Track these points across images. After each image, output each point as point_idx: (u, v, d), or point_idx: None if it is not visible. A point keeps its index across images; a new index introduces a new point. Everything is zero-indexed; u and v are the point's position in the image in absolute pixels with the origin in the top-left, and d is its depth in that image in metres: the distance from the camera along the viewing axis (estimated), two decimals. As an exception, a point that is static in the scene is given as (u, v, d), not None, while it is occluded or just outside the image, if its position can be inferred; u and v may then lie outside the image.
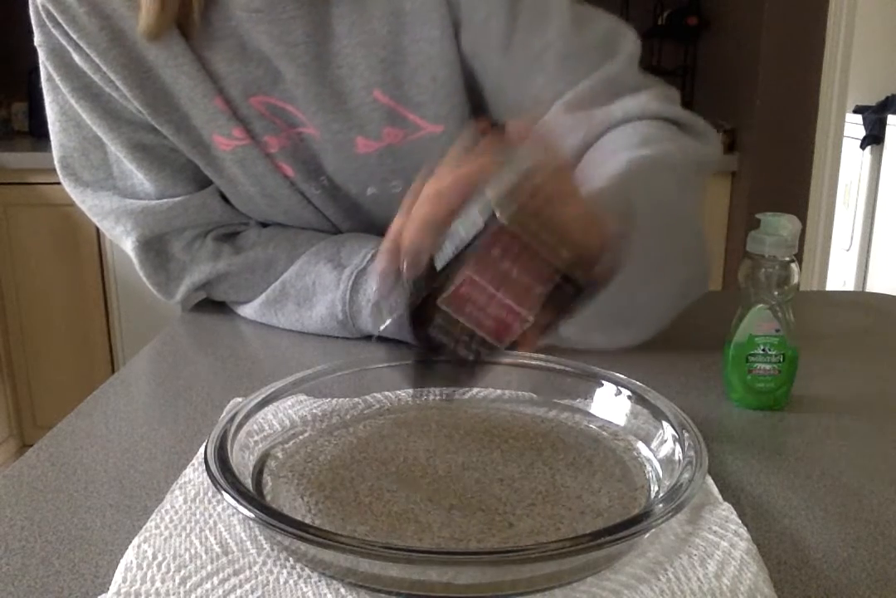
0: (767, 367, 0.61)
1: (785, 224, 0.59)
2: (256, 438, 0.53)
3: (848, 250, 3.27)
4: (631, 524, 0.40)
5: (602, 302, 0.47)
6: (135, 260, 0.82)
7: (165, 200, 0.79)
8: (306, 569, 0.41)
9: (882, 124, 3.07)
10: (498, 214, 0.42)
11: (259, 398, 0.54)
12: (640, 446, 0.53)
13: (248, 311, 0.83)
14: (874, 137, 3.09)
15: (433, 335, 0.45)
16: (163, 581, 0.40)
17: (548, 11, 0.74)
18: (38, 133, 2.59)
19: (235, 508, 0.41)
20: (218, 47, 0.73)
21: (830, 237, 2.46)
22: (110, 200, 0.80)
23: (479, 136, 0.82)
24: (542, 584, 0.39)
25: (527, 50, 0.74)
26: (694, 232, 0.67)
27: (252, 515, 0.40)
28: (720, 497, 0.48)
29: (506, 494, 0.48)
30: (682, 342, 0.75)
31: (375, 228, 0.84)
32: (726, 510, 0.46)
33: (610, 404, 0.57)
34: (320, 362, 0.60)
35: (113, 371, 2.43)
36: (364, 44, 0.73)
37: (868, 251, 3.20)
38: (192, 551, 0.42)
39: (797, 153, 2.33)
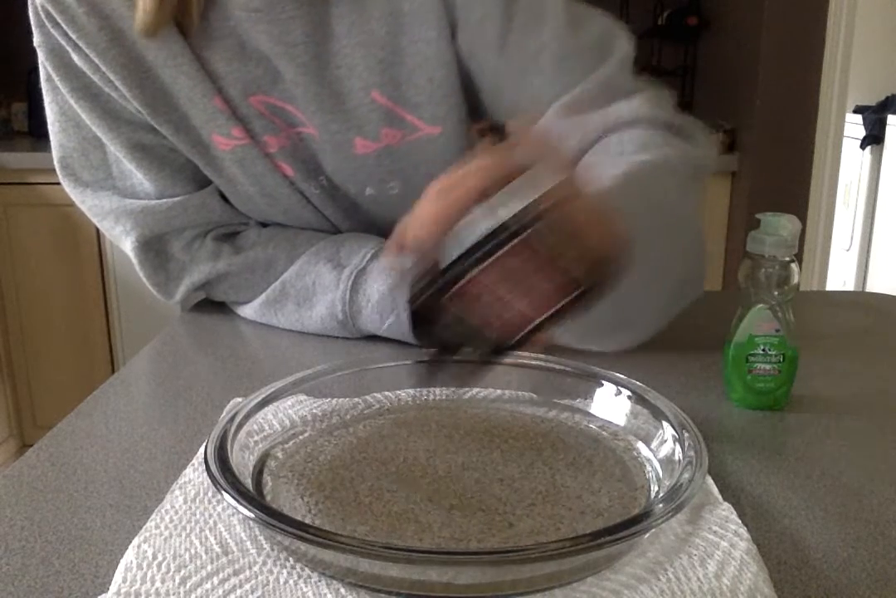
0: (767, 367, 0.61)
1: (785, 224, 0.59)
2: (256, 438, 0.53)
3: (848, 250, 3.27)
4: (631, 524, 0.40)
5: (602, 306, 0.47)
6: (134, 260, 0.82)
7: (165, 200, 0.79)
8: (306, 569, 0.41)
9: (882, 124, 3.07)
10: (509, 214, 0.42)
11: (259, 398, 0.54)
12: (640, 446, 0.53)
13: (247, 311, 0.83)
14: (874, 137, 3.09)
15: (438, 333, 0.45)
16: (163, 581, 0.40)
17: (543, 12, 0.74)
18: (37, 133, 2.59)
19: (235, 508, 0.41)
20: (217, 47, 0.73)
21: (830, 237, 2.46)
22: (110, 200, 0.80)
23: (477, 138, 0.83)
24: (542, 584, 0.39)
25: (522, 50, 0.74)
26: (693, 235, 0.68)
27: (252, 515, 0.40)
28: (720, 497, 0.48)
29: (506, 494, 0.48)
30: (682, 342, 0.75)
31: (375, 228, 0.84)
32: (726, 510, 0.46)
33: (610, 404, 0.57)
34: (320, 362, 0.60)
35: (113, 371, 2.43)
36: (363, 44, 0.73)
37: (868, 251, 3.20)
38: (192, 551, 0.42)
39: (797, 153, 2.33)
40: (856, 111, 3.16)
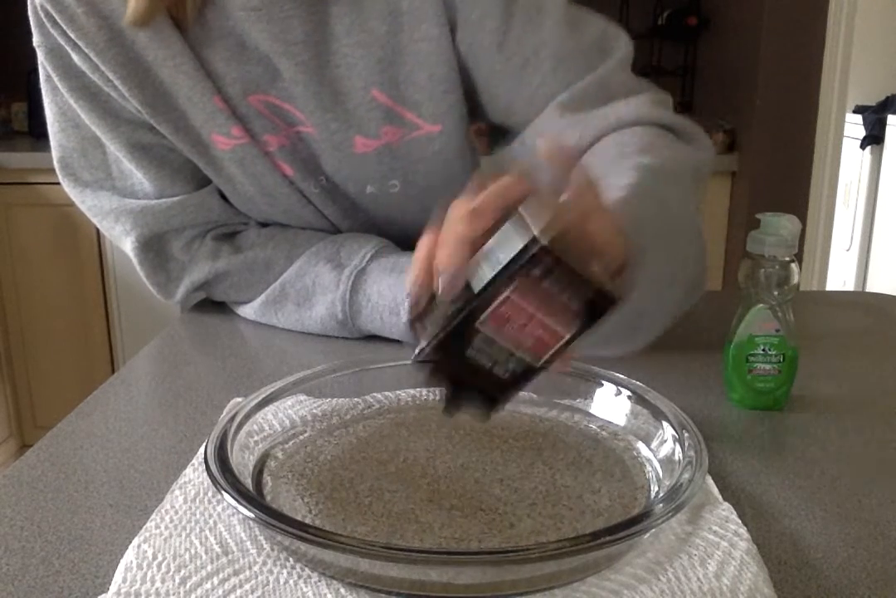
0: (767, 367, 0.61)
1: (785, 224, 0.59)
2: (256, 438, 0.53)
3: (848, 250, 3.27)
4: (631, 524, 0.40)
5: (616, 313, 0.48)
6: (134, 260, 0.82)
7: (164, 200, 0.79)
8: (306, 569, 0.41)
9: (882, 124, 3.07)
10: (537, 234, 0.42)
11: (259, 398, 0.54)
12: (640, 446, 0.53)
13: (247, 311, 0.83)
14: (874, 137, 3.09)
15: (471, 357, 0.45)
16: (163, 581, 0.40)
17: (542, 11, 0.74)
18: (37, 133, 2.59)
19: (235, 508, 0.41)
20: (216, 46, 0.73)
21: (830, 237, 2.45)
22: (109, 200, 0.80)
23: (475, 137, 0.83)
24: (542, 584, 0.39)
25: (521, 49, 0.74)
26: (695, 237, 0.68)
27: (252, 515, 0.40)
28: (720, 497, 0.48)
29: (506, 494, 0.48)
30: (682, 342, 0.75)
31: (375, 227, 0.84)
32: (726, 510, 0.46)
33: (610, 404, 0.57)
34: (320, 362, 0.60)
35: (113, 371, 2.43)
36: (362, 43, 0.73)
37: (868, 251, 3.20)
38: (192, 551, 0.42)
39: (797, 153, 2.33)
40: (856, 111, 3.16)
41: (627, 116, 0.72)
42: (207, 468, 0.45)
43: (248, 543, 0.43)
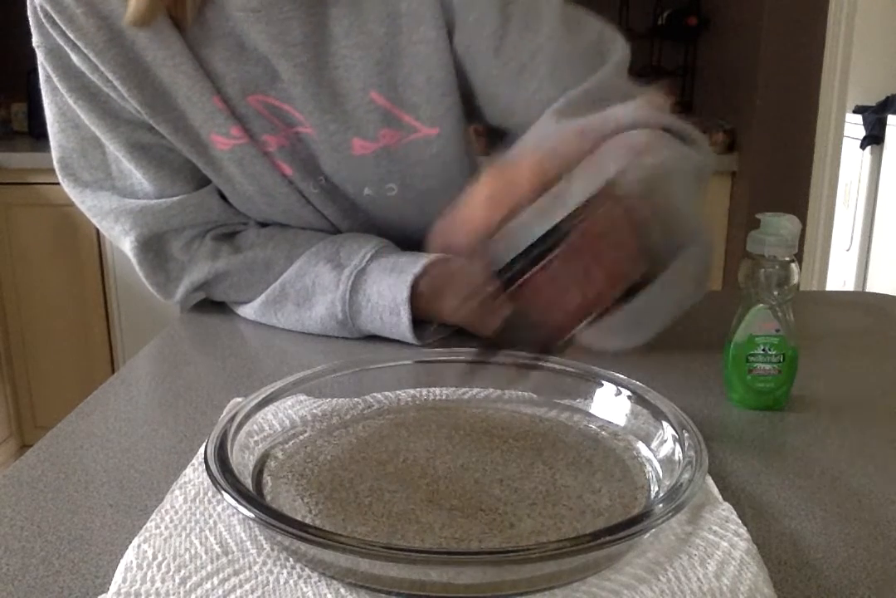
0: (767, 367, 0.61)
1: (785, 224, 0.59)
2: (256, 438, 0.53)
3: (848, 250, 3.27)
4: (631, 524, 0.40)
5: (626, 306, 0.48)
6: (134, 260, 0.82)
7: (164, 200, 0.79)
8: (306, 569, 0.41)
9: (882, 124, 3.07)
10: (562, 216, 0.43)
11: (259, 398, 0.54)
12: (640, 446, 0.53)
13: (247, 311, 0.83)
14: (874, 137, 3.09)
15: (497, 332, 0.46)
16: (163, 581, 0.40)
17: (539, 15, 0.74)
18: (37, 133, 2.59)
19: (235, 508, 0.41)
20: (216, 46, 0.73)
21: (830, 237, 2.45)
22: (109, 200, 0.80)
23: (474, 138, 0.83)
24: (542, 584, 0.39)
25: (517, 53, 0.74)
26: (700, 235, 0.68)
27: (252, 515, 0.40)
28: (720, 497, 0.48)
29: (506, 494, 0.48)
30: (682, 342, 0.75)
31: (374, 227, 0.84)
32: (726, 510, 0.46)
33: (610, 404, 0.57)
34: (320, 362, 0.60)
35: (113, 371, 2.43)
36: (361, 45, 0.73)
37: (868, 251, 3.20)
38: (192, 551, 0.42)
39: (797, 153, 2.32)
40: (856, 111, 3.16)
41: (626, 120, 0.72)
42: (207, 468, 0.45)
43: (248, 543, 0.43)
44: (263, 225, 0.85)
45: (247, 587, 0.40)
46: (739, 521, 0.44)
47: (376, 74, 0.74)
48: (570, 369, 0.60)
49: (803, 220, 2.30)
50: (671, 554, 0.42)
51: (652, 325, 0.66)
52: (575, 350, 0.47)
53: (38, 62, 0.75)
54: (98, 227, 0.82)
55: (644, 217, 0.48)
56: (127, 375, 0.71)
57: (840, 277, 3.28)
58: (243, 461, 0.49)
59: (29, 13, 0.72)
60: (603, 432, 0.56)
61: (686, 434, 0.49)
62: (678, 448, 0.48)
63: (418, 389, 0.62)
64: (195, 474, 0.50)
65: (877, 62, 3.21)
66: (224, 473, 0.44)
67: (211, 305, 0.88)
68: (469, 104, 0.78)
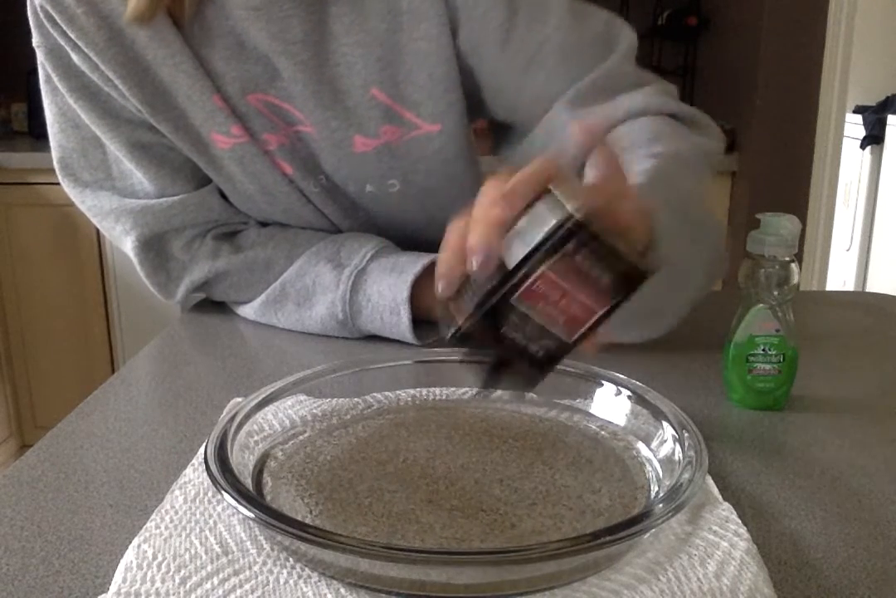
0: (767, 367, 0.61)
1: (785, 224, 0.59)
2: (256, 438, 0.53)
3: (848, 250, 3.27)
4: (631, 524, 0.40)
5: (639, 297, 0.48)
6: (134, 260, 0.82)
7: (164, 199, 0.79)
8: (306, 569, 0.41)
9: (882, 124, 3.07)
10: (571, 210, 0.43)
11: (259, 398, 0.54)
12: (640, 446, 0.53)
13: (247, 311, 0.83)
14: (874, 137, 3.09)
15: (506, 334, 0.45)
16: (163, 581, 0.40)
17: (546, 6, 0.74)
18: (37, 133, 2.59)
19: (235, 508, 0.41)
20: (216, 45, 0.73)
21: (830, 237, 2.45)
22: (109, 200, 0.80)
23: (475, 135, 0.83)
24: (542, 584, 0.39)
25: (526, 45, 0.74)
26: (711, 223, 0.68)
27: (252, 515, 0.40)
28: (720, 497, 0.48)
29: (506, 494, 0.48)
30: (682, 342, 0.75)
31: (375, 226, 0.84)
32: (726, 510, 0.46)
33: (610, 404, 0.57)
34: (320, 362, 0.60)
35: (113, 371, 2.43)
36: (361, 42, 0.73)
37: (868, 251, 3.20)
38: (192, 551, 0.42)
39: (797, 153, 2.32)
40: (856, 111, 3.16)
41: (636, 107, 0.72)
42: (207, 468, 0.45)
43: (248, 543, 0.43)
44: (264, 224, 0.85)
45: (247, 587, 0.40)
46: (739, 521, 0.44)
47: (377, 72, 0.74)
48: (570, 369, 0.60)
49: (803, 220, 2.30)
50: (671, 554, 0.42)
51: (669, 315, 0.67)
52: (591, 346, 0.47)
53: (39, 62, 0.75)
54: (98, 227, 0.82)
55: (652, 208, 0.48)
56: (127, 375, 0.71)
57: (840, 277, 3.28)
58: (243, 461, 0.49)
59: (29, 13, 0.72)
60: (603, 432, 0.56)
61: (686, 434, 0.49)
62: (678, 448, 0.48)
63: (418, 389, 0.62)
64: (195, 475, 0.50)
65: (877, 62, 3.21)
66: (224, 473, 0.44)
67: (211, 305, 0.88)
68: (471, 100, 0.78)
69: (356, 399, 0.60)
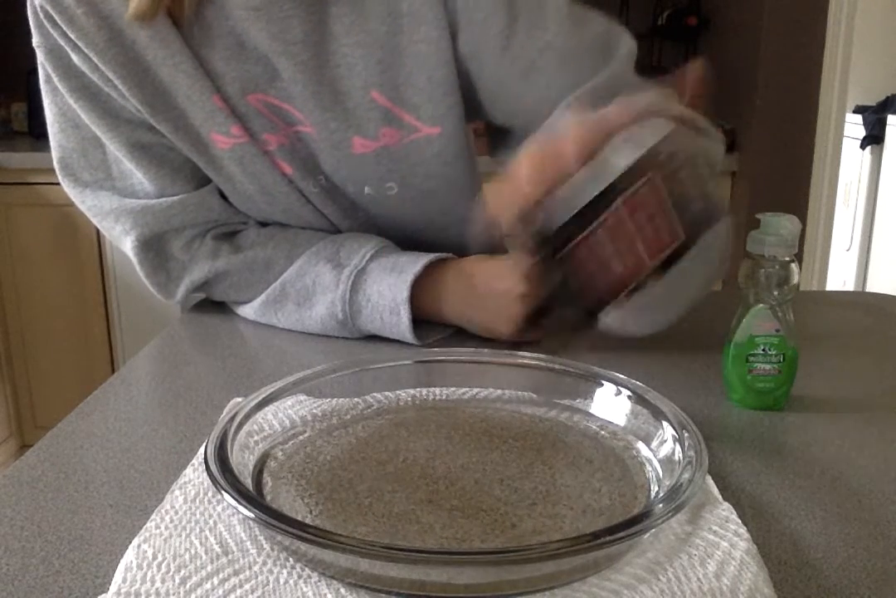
0: (767, 367, 0.61)
1: (785, 224, 0.59)
2: (256, 438, 0.53)
3: (848, 250, 3.27)
4: (631, 524, 0.40)
5: (650, 287, 0.49)
6: (134, 260, 0.82)
7: (164, 199, 0.79)
8: (306, 569, 0.41)
9: (882, 124, 3.07)
10: (614, 175, 0.44)
11: (259, 398, 0.54)
12: (640, 445, 0.53)
13: (247, 311, 0.83)
14: (874, 137, 3.09)
15: (585, 263, 0.46)
16: (163, 581, 0.40)
17: (546, 12, 0.74)
18: (37, 133, 2.59)
19: (235, 508, 0.41)
20: (216, 45, 0.73)
21: (830, 237, 2.46)
22: (109, 200, 0.80)
23: (473, 138, 0.83)
24: (542, 584, 0.39)
25: (526, 51, 0.74)
26: (722, 213, 0.69)
27: (252, 515, 0.40)
28: (720, 497, 0.48)
29: (506, 494, 0.48)
30: (682, 342, 0.75)
31: (374, 227, 0.84)
32: (726, 510, 0.46)
33: (610, 404, 0.57)
34: (320, 362, 0.60)
35: (113, 371, 2.43)
36: (362, 44, 0.73)
37: (868, 251, 3.20)
38: (192, 551, 0.42)
39: (797, 153, 2.33)
40: (856, 111, 3.15)
41: (637, 108, 0.72)
42: (207, 468, 0.45)
43: (248, 543, 0.43)
44: (264, 224, 0.85)
45: (247, 587, 0.40)
46: (739, 521, 0.44)
47: (377, 74, 0.74)
48: (570, 369, 0.60)
49: (803, 220, 2.30)
50: (671, 554, 0.42)
51: (678, 306, 0.67)
52: (590, 340, 0.48)
53: (39, 62, 0.75)
54: (98, 227, 0.82)
55: (684, 186, 0.48)
56: (127, 375, 0.71)
57: (840, 277, 3.28)
58: (243, 461, 0.49)
59: (29, 13, 0.72)
60: (603, 432, 0.56)
61: (686, 434, 0.49)
62: (678, 448, 0.48)
63: (418, 389, 0.62)
64: (195, 475, 0.50)
65: (877, 62, 3.21)
66: (224, 473, 0.44)
67: (211, 305, 0.88)
68: (470, 103, 0.78)
69: (356, 399, 0.60)
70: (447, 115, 0.76)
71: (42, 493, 0.50)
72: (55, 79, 0.74)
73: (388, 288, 0.75)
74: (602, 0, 0.79)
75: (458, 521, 0.45)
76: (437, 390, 0.62)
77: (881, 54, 3.22)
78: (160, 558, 0.41)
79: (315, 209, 0.82)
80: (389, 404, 0.60)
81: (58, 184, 0.81)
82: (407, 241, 0.83)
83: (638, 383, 0.57)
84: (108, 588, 0.40)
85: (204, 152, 0.77)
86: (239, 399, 0.60)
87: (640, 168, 0.44)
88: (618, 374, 0.58)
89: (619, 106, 0.51)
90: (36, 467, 0.54)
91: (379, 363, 0.61)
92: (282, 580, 0.40)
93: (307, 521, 0.45)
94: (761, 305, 0.60)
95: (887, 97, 3.16)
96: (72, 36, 0.71)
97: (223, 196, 0.83)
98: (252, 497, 0.42)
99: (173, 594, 0.39)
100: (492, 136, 0.85)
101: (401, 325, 0.75)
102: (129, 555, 0.42)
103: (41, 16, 0.71)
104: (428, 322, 0.78)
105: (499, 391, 0.61)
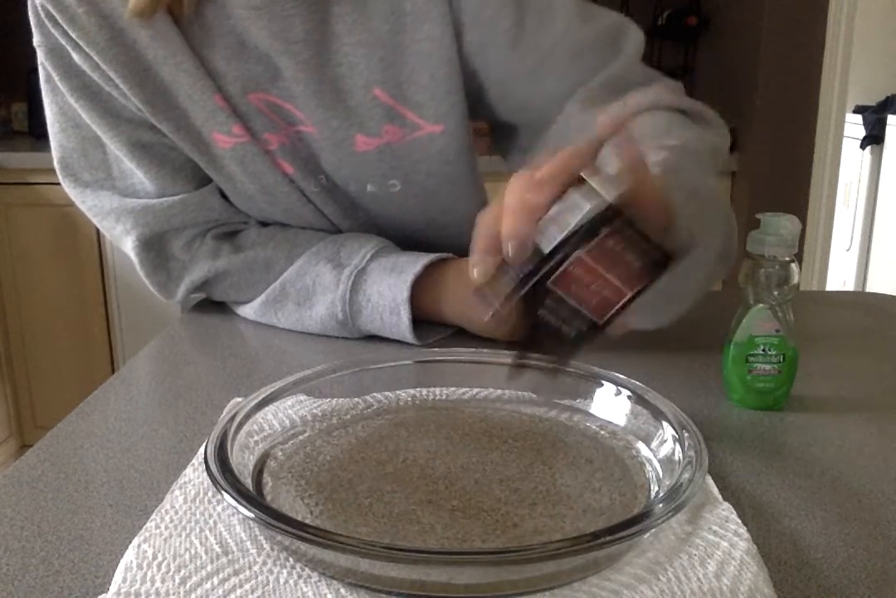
0: (767, 367, 0.61)
1: (785, 224, 0.59)
2: (256, 438, 0.53)
3: (848, 250, 3.27)
4: (631, 524, 0.40)
5: (659, 284, 0.49)
6: (135, 259, 0.82)
7: (165, 199, 0.79)
8: (306, 569, 0.41)
9: (882, 124, 3.07)
10: (606, 197, 0.45)
11: (259, 398, 0.54)
12: (640, 446, 0.53)
13: (248, 311, 0.83)
14: (874, 137, 3.09)
15: (543, 317, 0.47)
16: (163, 581, 0.40)
17: (553, 8, 0.74)
18: (37, 133, 2.59)
19: (235, 508, 0.41)
20: (217, 45, 0.73)
21: (830, 237, 2.46)
22: (110, 200, 0.80)
23: (476, 137, 0.83)
24: (542, 584, 0.39)
25: (536, 48, 0.74)
26: (722, 212, 0.69)
27: (252, 515, 0.40)
28: (720, 497, 0.48)
29: (506, 494, 0.48)
30: (682, 342, 0.75)
31: (375, 227, 0.84)
32: (726, 510, 0.46)
33: (610, 404, 0.57)
34: (320, 362, 0.60)
35: (113, 371, 2.43)
36: (364, 43, 0.73)
37: (868, 251, 3.20)
38: (192, 551, 0.42)
39: (797, 153, 2.33)
40: (856, 111, 3.15)
41: (645, 102, 0.73)
42: (207, 468, 0.45)
43: (248, 543, 0.43)
44: (264, 224, 0.85)
45: (247, 587, 0.40)
46: (739, 521, 0.44)
47: (380, 72, 0.74)
48: (570, 369, 0.60)
49: (803, 220, 2.30)
50: (671, 554, 0.42)
51: (681, 301, 0.67)
52: (618, 326, 0.48)
53: (39, 62, 0.75)
54: (99, 227, 0.82)
55: (672, 195, 0.50)
56: (127, 375, 0.71)
57: (840, 277, 3.28)
58: (243, 461, 0.49)
59: (30, 13, 0.72)
60: (603, 432, 0.56)
61: (686, 434, 0.49)
62: (678, 448, 0.48)
63: (418, 389, 0.62)
64: (195, 474, 0.50)
65: (877, 62, 3.21)
66: (224, 473, 0.44)
67: (211, 305, 0.88)
68: (472, 101, 0.78)
69: (356, 399, 0.60)
70: (450, 113, 0.76)
71: (42, 493, 0.50)
72: (56, 78, 0.74)
73: (389, 288, 0.75)
74: (602, 0, 0.79)
75: (459, 521, 0.45)
76: (437, 390, 0.62)
77: (881, 54, 3.22)
78: (160, 558, 0.41)
79: (316, 209, 0.82)
80: (389, 404, 0.60)
81: (58, 184, 0.81)
82: (407, 241, 0.83)
83: (638, 383, 0.57)
84: (108, 588, 0.40)
85: (205, 152, 0.77)
86: (239, 399, 0.60)
87: (620, 195, 0.46)
88: (618, 374, 0.58)
89: (607, 118, 0.52)
90: (36, 467, 0.54)
91: (379, 363, 0.61)
92: (282, 580, 0.40)
93: (307, 521, 0.45)
94: (761, 305, 0.60)
95: (887, 97, 3.16)
96: (73, 35, 0.71)
97: (224, 196, 0.83)
98: (252, 497, 0.42)
99: (173, 594, 0.39)
100: (496, 134, 0.86)
101: (401, 325, 0.75)
102: (129, 555, 0.42)
103: (42, 15, 0.71)
104: (428, 322, 0.78)
105: (499, 391, 0.61)
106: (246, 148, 0.76)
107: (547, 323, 0.47)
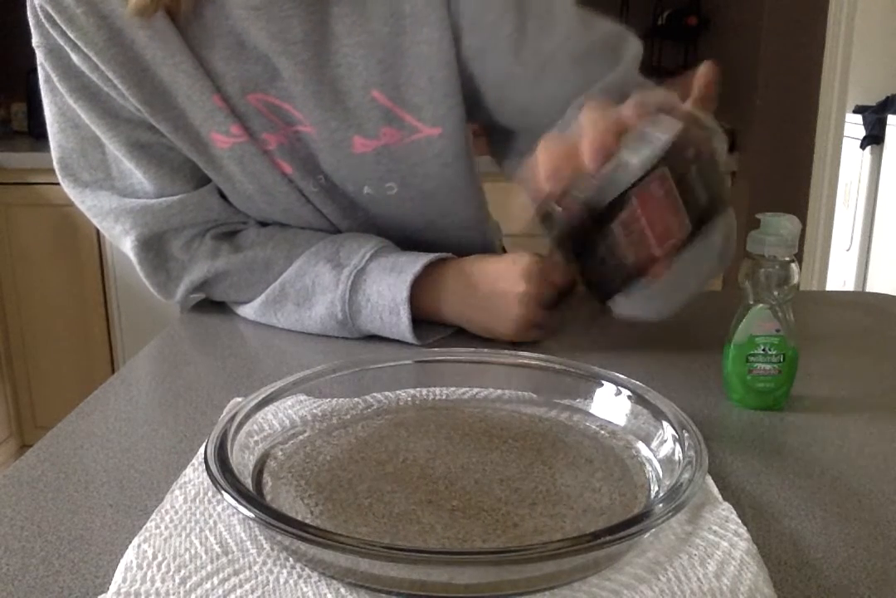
0: (767, 367, 0.61)
1: (785, 224, 0.59)
2: (256, 438, 0.53)
3: (848, 250, 3.27)
4: (631, 524, 0.40)
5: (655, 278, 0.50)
6: (134, 260, 0.82)
7: (164, 199, 0.79)
8: (306, 569, 0.41)
9: (882, 124, 3.07)
10: (671, 148, 0.47)
11: (259, 398, 0.54)
12: (640, 445, 0.53)
13: (247, 311, 0.83)
14: (874, 137, 3.09)
15: (600, 256, 0.48)
16: (163, 581, 0.40)
17: (554, 15, 0.74)
18: (37, 133, 2.59)
19: (235, 508, 0.41)
20: (215, 45, 0.73)
21: (830, 237, 2.46)
22: (109, 200, 0.80)
23: (471, 139, 0.83)
24: (542, 584, 0.39)
25: (537, 53, 0.74)
26: (726, 205, 0.70)
27: (252, 515, 0.40)
28: (720, 497, 0.48)
29: (506, 494, 0.48)
30: (682, 342, 0.75)
31: (374, 227, 0.84)
32: (726, 510, 0.46)
33: (610, 404, 0.57)
34: (320, 362, 0.60)
35: (113, 371, 2.43)
36: (363, 44, 0.73)
37: (868, 251, 3.20)
38: (192, 551, 0.42)
39: (797, 153, 2.33)
40: (856, 111, 3.15)
41: (653, 102, 0.73)
42: (207, 468, 0.45)
43: (248, 543, 0.43)
44: (263, 224, 0.85)
45: (247, 587, 0.40)
46: (739, 521, 0.44)
47: (378, 74, 0.74)
48: (570, 369, 0.60)
49: (803, 220, 2.30)
50: (671, 554, 0.42)
51: (684, 293, 0.68)
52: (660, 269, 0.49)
53: (38, 62, 0.75)
54: (98, 227, 0.82)
55: (692, 180, 0.51)
56: (127, 375, 0.71)
57: (840, 277, 3.28)
58: (243, 461, 0.49)
59: (29, 13, 0.72)
60: (603, 432, 0.56)
61: (686, 434, 0.49)
62: (678, 448, 0.48)
63: (418, 389, 0.62)
64: (195, 474, 0.50)
65: (877, 62, 3.20)
66: (224, 473, 0.44)
67: (211, 305, 0.88)
68: (471, 105, 0.78)
69: (356, 399, 0.60)
70: (448, 116, 0.76)
71: (42, 493, 0.50)
72: (55, 79, 0.74)
73: (388, 288, 0.75)
74: (602, 0, 0.79)
75: (459, 521, 0.45)
76: (437, 390, 0.62)
77: (881, 54, 3.22)
78: (160, 558, 0.41)
79: (315, 209, 0.82)
80: (389, 404, 0.60)
81: (58, 184, 0.81)
82: (407, 241, 0.83)
83: (638, 383, 0.57)
84: (108, 588, 0.40)
85: (203, 152, 0.77)
86: (239, 399, 0.60)
87: (652, 164, 0.47)
88: (618, 374, 0.58)
89: (632, 104, 0.53)
90: (36, 467, 0.54)
91: (379, 363, 0.61)
92: (282, 580, 0.40)
93: (307, 521, 0.45)
94: (761, 305, 0.60)
95: (887, 97, 3.15)
96: (71, 36, 0.71)
97: (223, 196, 0.83)
98: (252, 497, 0.42)
99: (173, 594, 0.39)
100: (492, 137, 0.85)
101: (400, 325, 0.75)
102: (129, 555, 0.42)
103: (41, 16, 0.71)
104: (428, 322, 0.78)
105: (499, 391, 0.61)
106: (244, 148, 0.76)
107: (603, 257, 0.47)
